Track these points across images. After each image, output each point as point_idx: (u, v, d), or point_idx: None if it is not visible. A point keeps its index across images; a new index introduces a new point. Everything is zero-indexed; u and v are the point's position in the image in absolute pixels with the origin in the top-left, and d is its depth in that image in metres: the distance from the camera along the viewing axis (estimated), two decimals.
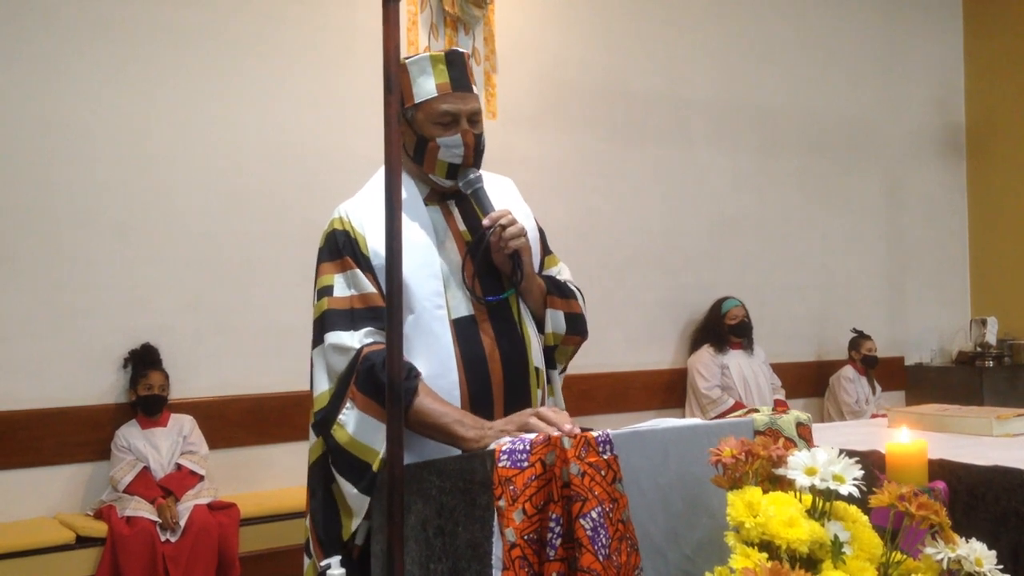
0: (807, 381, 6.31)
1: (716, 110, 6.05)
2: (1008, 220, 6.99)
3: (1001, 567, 1.71)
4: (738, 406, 5.25)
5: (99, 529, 3.79)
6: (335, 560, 1.50)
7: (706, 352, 5.61)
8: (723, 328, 5.63)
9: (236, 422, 4.41)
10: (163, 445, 4.06)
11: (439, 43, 4.99)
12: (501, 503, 1.35)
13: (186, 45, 4.41)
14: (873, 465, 1.80)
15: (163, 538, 3.79)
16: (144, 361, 4.15)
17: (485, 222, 1.88)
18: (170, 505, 3.86)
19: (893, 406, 4.99)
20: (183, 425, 4.15)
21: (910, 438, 1.70)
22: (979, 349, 6.72)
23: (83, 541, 3.77)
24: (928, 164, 7.09)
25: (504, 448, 1.38)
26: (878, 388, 6.21)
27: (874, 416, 5.42)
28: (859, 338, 6.20)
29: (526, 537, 1.32)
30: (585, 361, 5.28)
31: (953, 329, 7.03)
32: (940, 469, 1.87)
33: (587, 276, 5.50)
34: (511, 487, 1.35)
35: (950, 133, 7.21)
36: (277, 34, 4.63)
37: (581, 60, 5.55)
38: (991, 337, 6.70)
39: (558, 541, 1.30)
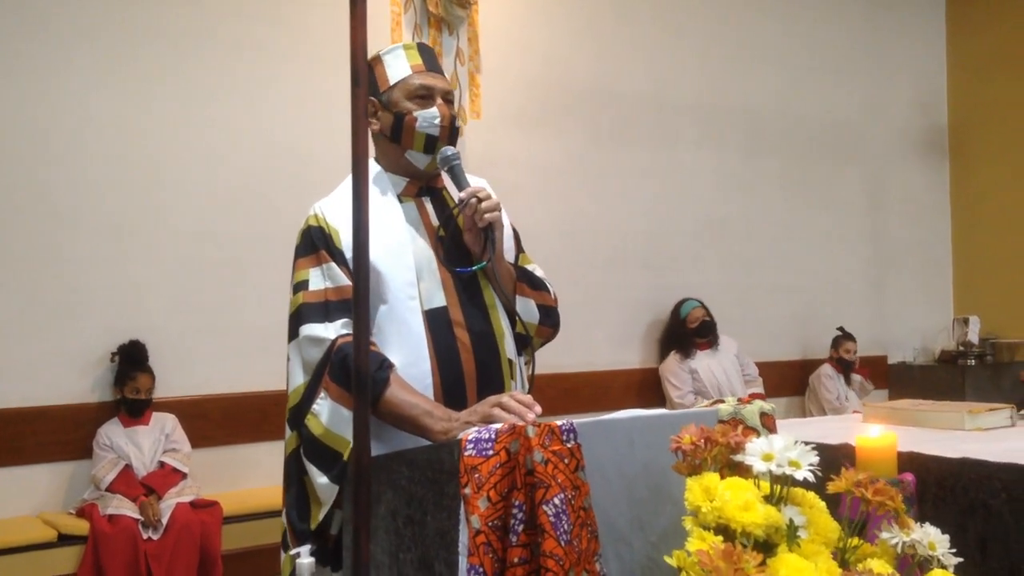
0: (791, 380, 6.35)
1: (701, 111, 6.08)
2: (990, 220, 7.04)
3: (969, 558, 1.73)
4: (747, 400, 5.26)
5: (81, 527, 3.80)
6: (305, 549, 1.52)
7: (673, 360, 5.62)
8: (686, 331, 5.63)
9: (218, 421, 4.42)
10: (145, 443, 4.07)
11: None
12: (467, 491, 1.37)
13: (175, 46, 4.43)
14: (844, 458, 1.83)
15: (145, 536, 3.80)
16: (132, 359, 4.15)
17: (462, 194, 1.91)
18: (152, 503, 3.87)
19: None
20: (165, 423, 4.16)
21: (880, 431, 1.73)
22: (961, 348, 6.77)
23: (65, 539, 3.78)
24: (911, 165, 7.14)
25: (470, 437, 1.40)
26: (855, 382, 6.23)
27: (856, 412, 5.45)
28: (842, 338, 6.23)
29: (490, 524, 1.34)
30: (569, 360, 5.38)
31: (936, 328, 7.08)
32: (910, 461, 1.90)
33: (572, 276, 5.55)
34: (476, 475, 1.37)
35: (933, 134, 7.27)
36: (266, 35, 4.64)
37: (566, 61, 5.57)
38: (973, 336, 6.75)
39: (520, 527, 1.32)
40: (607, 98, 5.71)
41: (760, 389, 5.78)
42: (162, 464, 4.08)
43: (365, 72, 1.37)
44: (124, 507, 3.82)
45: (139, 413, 4.10)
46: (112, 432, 4.06)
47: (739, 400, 1.62)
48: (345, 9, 4.82)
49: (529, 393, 1.93)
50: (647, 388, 5.76)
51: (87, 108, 4.23)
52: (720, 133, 6.15)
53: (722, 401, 1.63)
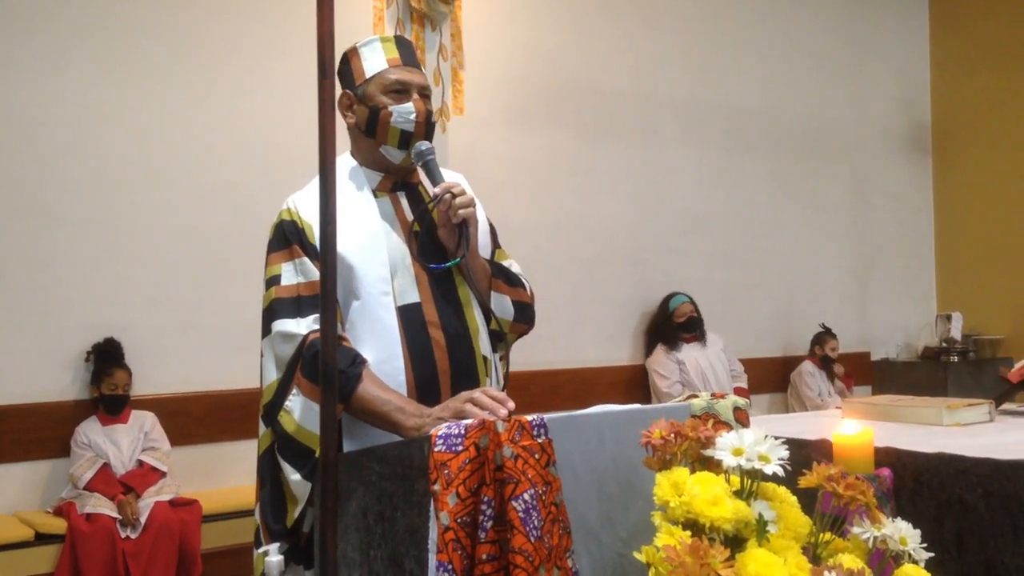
0: (774, 376, 6.35)
1: (685, 108, 6.07)
2: (973, 217, 7.06)
3: (945, 552, 1.73)
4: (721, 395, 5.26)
5: (58, 526, 3.76)
6: (274, 547, 1.50)
7: (661, 351, 5.62)
8: (672, 325, 5.64)
9: (199, 419, 4.39)
10: (124, 442, 4.04)
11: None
12: (436, 487, 1.35)
13: (154, 40, 4.38)
14: (821, 453, 1.83)
15: (123, 535, 3.76)
16: (107, 356, 4.12)
17: (436, 190, 1.89)
18: (131, 502, 3.84)
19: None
20: (144, 422, 4.13)
21: (857, 427, 1.73)
22: (944, 344, 6.78)
23: (42, 538, 3.74)
24: (894, 162, 7.15)
25: (440, 433, 1.39)
26: (838, 386, 6.26)
27: (837, 408, 5.45)
28: (825, 335, 6.24)
29: (459, 520, 1.33)
30: (553, 356, 5.37)
31: (919, 325, 7.10)
32: (887, 456, 1.89)
33: (556, 273, 5.55)
34: (446, 471, 1.35)
35: (916, 131, 7.28)
36: (246, 30, 4.61)
37: (550, 56, 5.56)
38: (956, 332, 6.76)
39: (489, 523, 1.31)
40: (591, 94, 5.70)
41: (744, 384, 5.79)
42: (141, 463, 4.05)
43: (332, 63, 1.35)
44: (102, 506, 3.79)
45: (117, 410, 4.07)
46: (90, 430, 4.02)
47: (712, 395, 1.61)
48: (339, 12, 4.83)
49: (504, 390, 1.92)
50: (633, 385, 5.76)
51: (66, 105, 4.18)
52: (703, 129, 6.14)
53: (696, 396, 1.62)
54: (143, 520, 3.81)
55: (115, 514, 3.79)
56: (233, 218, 4.51)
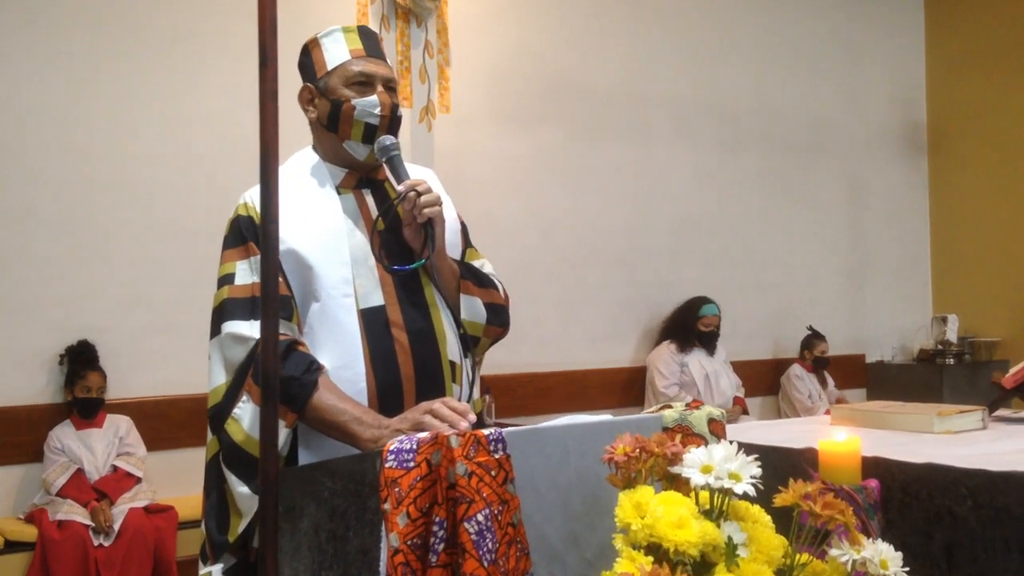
0: (767, 379, 6.27)
1: (677, 107, 5.99)
2: (969, 218, 6.99)
3: (935, 566, 1.65)
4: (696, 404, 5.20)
5: (29, 533, 3.69)
6: (217, 568, 1.41)
7: (666, 349, 5.55)
8: (693, 329, 5.57)
9: (177, 422, 4.30)
10: (98, 446, 3.96)
11: (390, 35, 4.89)
12: (386, 506, 1.27)
13: (129, 36, 4.31)
14: (807, 463, 1.75)
15: (96, 542, 3.69)
16: (81, 360, 4.04)
17: (400, 188, 1.80)
18: (104, 508, 3.75)
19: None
20: (119, 426, 4.05)
21: (845, 435, 1.65)
22: (940, 347, 6.71)
23: (12, 546, 3.67)
24: (890, 162, 7.08)
25: (392, 448, 1.30)
26: (830, 382, 6.19)
27: (828, 413, 5.39)
28: (813, 338, 6.17)
29: (409, 542, 1.24)
30: (544, 359, 5.29)
31: (914, 327, 7.02)
32: (875, 467, 1.82)
33: (547, 274, 5.47)
34: (396, 489, 1.26)
35: (912, 131, 7.21)
36: (226, 27, 4.52)
37: (539, 54, 5.47)
38: (952, 335, 6.69)
39: (440, 546, 1.22)
40: (581, 92, 5.61)
41: (741, 394, 5.74)
42: (115, 468, 3.97)
43: (274, 52, 1.27)
44: (75, 512, 3.71)
45: (92, 414, 3.98)
46: (64, 435, 3.94)
47: (687, 405, 1.52)
48: (310, 4, 4.71)
49: (471, 400, 1.82)
50: (624, 387, 5.68)
51: (44, 103, 4.11)
52: (696, 128, 6.06)
53: (669, 406, 1.53)
54: (117, 527, 3.73)
55: (88, 521, 3.71)
56: (212, 218, 4.38)
